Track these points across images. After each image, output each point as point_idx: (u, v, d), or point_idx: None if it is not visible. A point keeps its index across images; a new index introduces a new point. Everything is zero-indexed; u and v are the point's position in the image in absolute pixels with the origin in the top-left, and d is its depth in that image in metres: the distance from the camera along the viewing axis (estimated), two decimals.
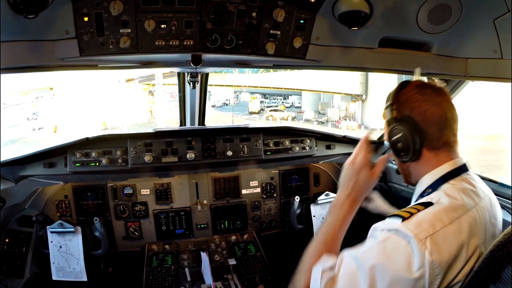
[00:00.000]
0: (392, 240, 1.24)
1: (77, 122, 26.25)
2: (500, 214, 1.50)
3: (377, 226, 1.34)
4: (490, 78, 1.88)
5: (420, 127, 1.40)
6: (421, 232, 1.21)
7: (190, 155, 2.69)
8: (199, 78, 2.88)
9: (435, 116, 1.40)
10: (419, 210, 1.29)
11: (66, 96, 27.76)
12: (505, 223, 2.04)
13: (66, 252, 2.53)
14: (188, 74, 2.89)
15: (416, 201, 1.46)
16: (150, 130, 2.72)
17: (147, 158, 2.62)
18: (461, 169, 1.43)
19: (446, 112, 1.41)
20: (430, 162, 1.44)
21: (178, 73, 3.22)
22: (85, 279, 2.55)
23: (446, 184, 1.39)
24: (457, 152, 1.45)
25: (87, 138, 2.61)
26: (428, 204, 1.31)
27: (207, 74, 3.22)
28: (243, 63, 2.12)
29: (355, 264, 1.26)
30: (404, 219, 1.26)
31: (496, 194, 2.25)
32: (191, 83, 2.88)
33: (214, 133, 2.82)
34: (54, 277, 2.54)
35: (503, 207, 2.18)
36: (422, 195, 1.46)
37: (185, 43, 1.72)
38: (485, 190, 1.46)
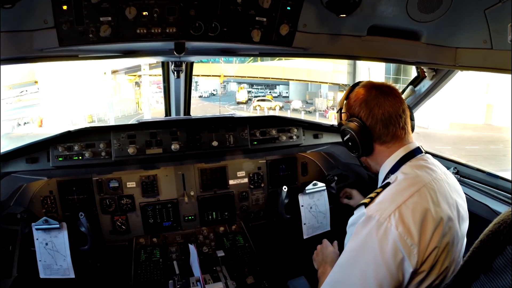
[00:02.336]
0: (361, 229, 1.35)
1: (62, 115, 25.82)
2: (461, 192, 1.62)
3: (349, 222, 1.47)
4: (480, 68, 1.88)
5: (367, 126, 1.55)
6: (385, 211, 1.32)
7: (175, 146, 2.64)
8: (183, 67, 2.82)
9: (379, 115, 1.54)
10: (378, 193, 1.42)
11: (51, 90, 27.32)
12: (494, 212, 2.08)
13: (53, 249, 2.47)
14: (172, 63, 2.83)
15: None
16: (133, 122, 2.66)
17: (131, 150, 2.55)
18: (416, 151, 1.56)
19: (390, 110, 1.53)
20: (384, 154, 1.59)
21: (162, 63, 3.16)
22: (72, 275, 2.50)
23: (403, 166, 1.51)
24: (409, 139, 1.59)
25: (69, 132, 2.54)
26: (386, 185, 1.44)
27: (191, 63, 3.16)
28: (229, 51, 2.07)
29: (336, 266, 1.43)
30: (366, 205, 1.38)
31: (484, 184, 2.30)
32: (175, 72, 2.82)
33: (199, 123, 2.77)
34: (41, 275, 2.48)
35: (490, 196, 2.22)
36: (384, 180, 1.57)
37: (167, 30, 1.65)
38: (440, 167, 1.59)
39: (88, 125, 2.72)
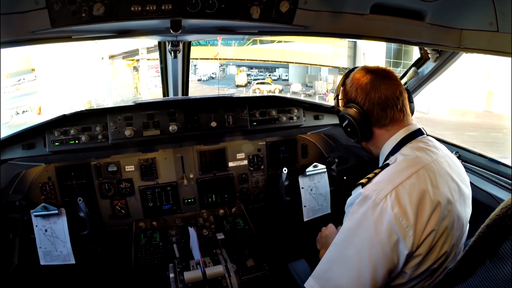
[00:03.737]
0: (357, 209, 1.35)
1: (61, 102, 25.66)
2: (465, 175, 1.60)
3: (347, 202, 1.47)
4: (485, 50, 1.82)
5: (364, 110, 1.54)
6: (381, 191, 1.31)
7: (173, 128, 2.60)
8: (180, 47, 2.75)
9: (375, 99, 1.52)
10: (376, 174, 1.41)
11: (48, 77, 27.04)
12: (494, 198, 2.06)
13: (52, 235, 2.46)
14: (169, 43, 2.75)
15: None
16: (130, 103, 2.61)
17: (128, 132, 2.51)
18: (416, 133, 1.54)
19: (386, 93, 1.51)
20: (383, 137, 1.58)
21: (159, 43, 3.08)
22: (73, 261, 2.50)
23: (403, 147, 1.49)
24: (409, 121, 1.57)
25: (64, 115, 2.48)
26: (385, 166, 1.43)
27: (189, 43, 3.08)
28: (227, 30, 2.00)
29: (331, 245, 1.44)
30: (364, 185, 1.38)
31: (485, 169, 2.27)
32: (172, 52, 2.76)
33: (198, 104, 2.71)
34: (42, 262, 2.48)
35: (491, 181, 2.20)
36: (384, 162, 1.55)
37: (163, 7, 1.59)
38: (443, 149, 1.57)
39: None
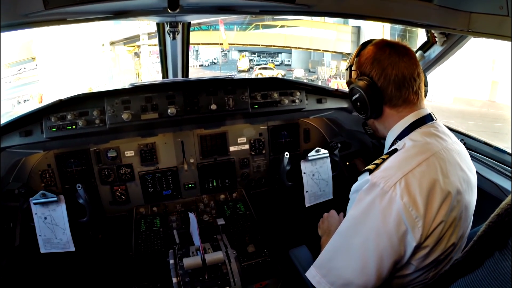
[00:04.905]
0: (364, 196, 1.28)
1: (63, 90, 25.59)
2: (471, 164, 1.53)
3: (352, 188, 1.38)
4: (494, 35, 1.72)
5: (378, 86, 1.44)
6: (390, 179, 1.24)
7: (171, 110, 2.52)
8: (179, 28, 2.67)
9: (392, 76, 1.42)
10: (384, 160, 1.33)
11: (49, 65, 26.85)
12: (498, 187, 2.00)
13: (52, 223, 2.44)
14: (167, 24, 2.67)
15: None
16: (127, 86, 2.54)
17: (125, 116, 2.45)
18: (427, 118, 1.46)
19: (404, 71, 1.41)
20: (393, 118, 1.48)
21: (158, 24, 2.99)
22: (72, 249, 2.48)
23: (413, 132, 1.40)
24: (421, 105, 1.48)
25: (60, 100, 2.41)
26: (393, 152, 1.35)
27: (188, 24, 3.00)
28: (227, 9, 1.93)
29: (336, 234, 1.38)
30: (371, 171, 1.29)
31: (490, 158, 2.22)
32: (171, 33, 2.68)
33: (197, 85, 2.64)
34: (42, 250, 2.46)
35: (496, 170, 2.15)
36: (391, 146, 1.47)
37: None
38: (451, 136, 1.49)
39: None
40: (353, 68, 1.56)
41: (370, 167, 1.32)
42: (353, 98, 1.53)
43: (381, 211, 1.22)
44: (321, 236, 1.94)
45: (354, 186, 1.37)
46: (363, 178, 1.32)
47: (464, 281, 1.03)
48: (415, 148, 1.33)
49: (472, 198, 1.45)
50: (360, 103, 1.50)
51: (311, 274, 1.40)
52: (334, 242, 1.38)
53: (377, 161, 1.34)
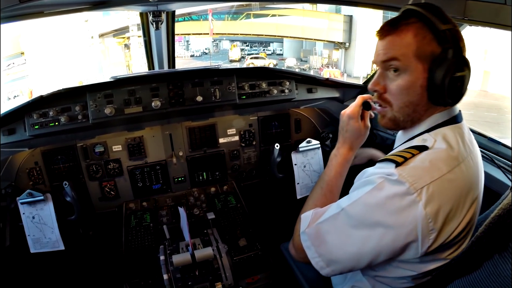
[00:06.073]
0: (384, 186, 1.15)
1: (52, 85, 25.25)
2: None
3: (367, 172, 1.26)
4: (490, 24, 1.69)
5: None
6: (417, 181, 1.11)
7: (156, 103, 2.44)
8: (163, 17, 2.58)
9: None
10: (413, 155, 1.19)
11: (38, 60, 26.54)
12: (495, 180, 1.97)
13: (40, 222, 2.37)
14: (150, 13, 2.58)
15: (402, 144, 1.37)
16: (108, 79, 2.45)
17: (108, 110, 2.36)
18: (458, 117, 1.34)
19: None
20: (430, 110, 1.33)
21: (141, 15, 2.91)
22: (62, 247, 2.41)
23: (443, 128, 1.28)
24: None
25: (41, 96, 2.33)
26: (423, 148, 1.21)
27: (173, 13, 2.92)
28: None
29: (342, 210, 1.26)
30: (398, 164, 1.17)
31: (485, 149, 2.19)
32: (154, 23, 2.59)
33: (182, 76, 2.56)
34: (31, 250, 2.40)
35: (490, 161, 2.12)
36: (414, 138, 1.34)
37: None
38: (473, 141, 1.38)
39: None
40: None
41: (397, 159, 1.19)
42: None
43: (397, 210, 1.12)
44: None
45: (371, 170, 1.26)
46: (385, 167, 1.20)
47: (461, 282, 1.00)
48: (446, 151, 1.21)
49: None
50: None
51: (304, 237, 1.36)
52: (338, 220, 1.27)
53: (405, 155, 1.20)
